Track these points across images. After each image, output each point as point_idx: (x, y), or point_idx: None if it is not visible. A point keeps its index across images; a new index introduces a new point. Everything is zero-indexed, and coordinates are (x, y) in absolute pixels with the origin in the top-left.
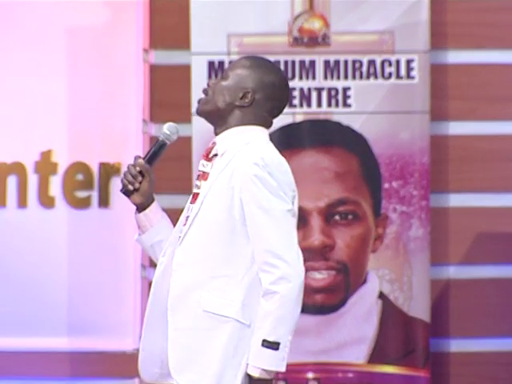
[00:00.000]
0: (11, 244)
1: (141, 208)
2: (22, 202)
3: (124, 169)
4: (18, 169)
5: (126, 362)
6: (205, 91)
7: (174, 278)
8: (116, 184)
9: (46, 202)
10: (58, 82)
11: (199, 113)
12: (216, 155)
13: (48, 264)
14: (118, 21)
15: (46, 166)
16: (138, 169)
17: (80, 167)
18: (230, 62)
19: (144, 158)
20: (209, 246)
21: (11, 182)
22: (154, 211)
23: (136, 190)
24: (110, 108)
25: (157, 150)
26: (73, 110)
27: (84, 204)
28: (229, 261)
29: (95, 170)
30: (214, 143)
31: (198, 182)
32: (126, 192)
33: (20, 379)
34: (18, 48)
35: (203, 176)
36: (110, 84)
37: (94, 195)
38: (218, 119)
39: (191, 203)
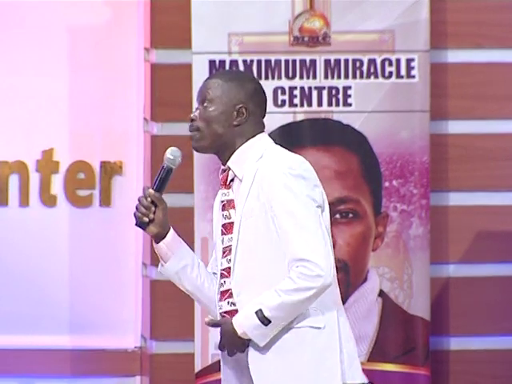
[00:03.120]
0: (13, 242)
1: (159, 237)
2: (24, 201)
3: (126, 168)
4: (19, 168)
5: (128, 360)
6: (193, 127)
7: (240, 306)
8: (117, 182)
9: (48, 200)
10: (59, 81)
11: (199, 150)
12: (232, 180)
13: (50, 262)
14: (120, 20)
15: (47, 164)
16: (149, 199)
17: (81, 166)
18: (201, 86)
19: (153, 188)
20: (261, 266)
21: (13, 180)
22: (173, 238)
23: (151, 221)
24: (112, 107)
25: (164, 177)
26: (74, 109)
27: (85, 203)
28: (281, 274)
29: (97, 168)
30: (227, 169)
31: (225, 213)
32: (142, 224)
33: (22, 377)
34: (19, 47)
35: (229, 204)
36: (111, 83)
37: (96, 194)
38: (221, 146)
39: (225, 234)
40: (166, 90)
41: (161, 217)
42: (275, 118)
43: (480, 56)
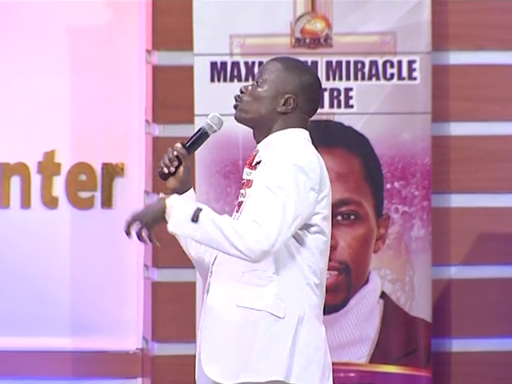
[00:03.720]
0: (14, 244)
1: (177, 193)
2: (26, 203)
3: (127, 170)
4: (21, 169)
5: (129, 362)
6: (239, 97)
7: (214, 277)
8: (119, 184)
9: (50, 202)
10: (60, 83)
11: (240, 120)
12: (259, 163)
13: (51, 264)
14: (121, 21)
15: (49, 166)
16: (175, 153)
17: (83, 168)
18: (261, 65)
19: (184, 144)
20: None
21: (15, 182)
22: (189, 197)
23: (172, 174)
24: (113, 109)
25: (197, 139)
26: (76, 111)
27: (87, 204)
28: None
29: (98, 170)
30: (257, 151)
31: (242, 191)
32: (162, 175)
33: (23, 379)
34: (20, 48)
35: (247, 184)
36: (112, 85)
37: (97, 196)
38: (261, 127)
39: (237, 212)
40: (168, 92)
41: (181, 173)
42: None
43: (482, 58)
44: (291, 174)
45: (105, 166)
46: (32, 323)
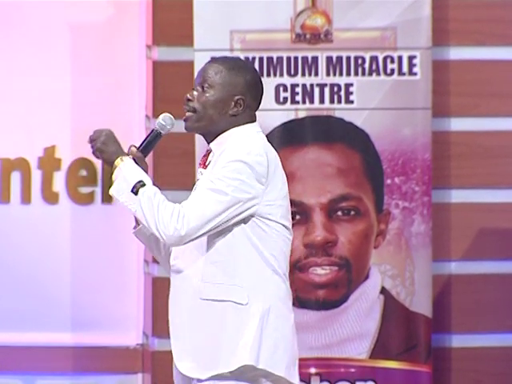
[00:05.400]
0: (15, 240)
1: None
2: (26, 198)
3: None
4: (21, 165)
5: (129, 357)
6: (189, 107)
7: (174, 271)
8: None
9: (50, 197)
10: (61, 79)
11: (192, 130)
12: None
13: (52, 259)
14: (121, 17)
15: (49, 161)
16: (131, 157)
17: (83, 163)
18: (202, 68)
19: (138, 147)
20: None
21: (15, 178)
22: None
23: None
24: (114, 104)
25: (151, 140)
26: (76, 106)
27: (87, 200)
28: (218, 247)
29: (98, 165)
30: (210, 150)
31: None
32: None
33: (24, 374)
34: (21, 45)
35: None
36: (113, 80)
37: (98, 191)
38: (213, 131)
39: None
40: (168, 88)
41: None
42: (277, 116)
43: (482, 53)
44: (235, 168)
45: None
46: (32, 319)
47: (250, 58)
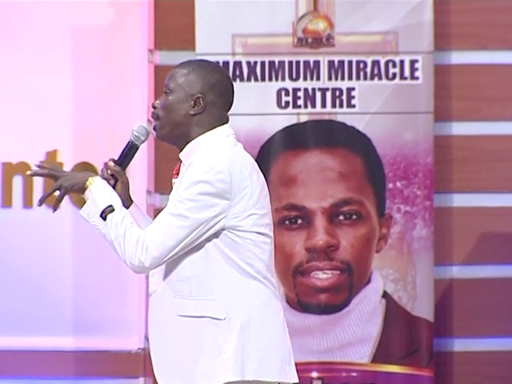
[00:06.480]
0: (17, 244)
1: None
2: (28, 202)
3: (129, 169)
4: (23, 169)
5: (131, 362)
6: (154, 115)
7: (151, 287)
8: None
9: (52, 201)
10: (63, 82)
11: (160, 138)
12: None
13: (53, 263)
14: (123, 21)
15: None
16: (109, 172)
17: (85, 167)
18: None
19: (116, 161)
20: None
21: (17, 182)
22: (134, 212)
23: None
24: (115, 108)
25: (127, 152)
26: (78, 110)
27: None
28: (192, 263)
29: (100, 169)
30: (180, 160)
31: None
32: None
33: (25, 378)
34: (22, 48)
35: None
36: (115, 84)
37: None
38: (179, 135)
39: None
40: None
41: (119, 190)
42: (279, 120)
43: (484, 57)
44: (196, 189)
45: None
46: (34, 323)
47: (252, 62)
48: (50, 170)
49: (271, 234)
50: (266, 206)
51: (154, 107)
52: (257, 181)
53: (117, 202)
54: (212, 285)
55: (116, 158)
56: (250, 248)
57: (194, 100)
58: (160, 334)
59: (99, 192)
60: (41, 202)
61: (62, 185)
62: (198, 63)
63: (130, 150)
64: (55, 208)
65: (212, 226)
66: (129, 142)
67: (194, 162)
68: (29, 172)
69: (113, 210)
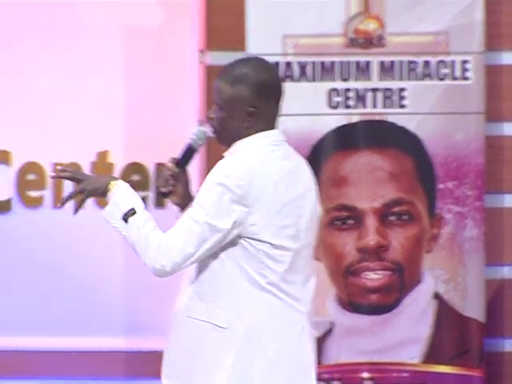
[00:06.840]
0: (68, 245)
1: (181, 208)
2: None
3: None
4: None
5: None
6: (211, 126)
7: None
8: None
9: (103, 202)
10: (114, 83)
11: (221, 143)
12: None
13: (105, 264)
14: (174, 22)
15: (102, 166)
16: (169, 172)
17: (136, 168)
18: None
19: (175, 163)
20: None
21: (67, 182)
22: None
23: (172, 192)
24: (166, 109)
25: (186, 155)
26: (129, 111)
27: None
28: (207, 266)
29: (151, 170)
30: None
31: None
32: (163, 194)
33: (77, 379)
34: (74, 49)
35: None
36: (165, 85)
37: (150, 196)
38: (235, 140)
39: None
40: None
41: (181, 190)
42: (330, 120)
43: None
44: (215, 192)
45: (158, 165)
46: (85, 323)
47: (303, 63)
48: (73, 174)
49: (295, 246)
50: (293, 217)
51: (211, 118)
52: (284, 191)
53: (139, 204)
54: (221, 291)
55: (175, 157)
56: (263, 260)
57: (246, 114)
58: (172, 332)
59: (121, 195)
60: (62, 204)
61: (86, 188)
62: (236, 73)
63: (188, 153)
64: (77, 211)
65: (229, 233)
66: (188, 145)
67: (219, 163)
68: (52, 174)
69: (134, 212)
